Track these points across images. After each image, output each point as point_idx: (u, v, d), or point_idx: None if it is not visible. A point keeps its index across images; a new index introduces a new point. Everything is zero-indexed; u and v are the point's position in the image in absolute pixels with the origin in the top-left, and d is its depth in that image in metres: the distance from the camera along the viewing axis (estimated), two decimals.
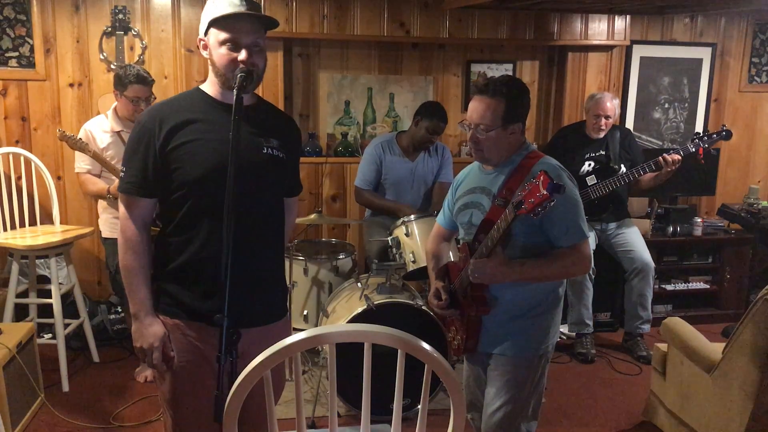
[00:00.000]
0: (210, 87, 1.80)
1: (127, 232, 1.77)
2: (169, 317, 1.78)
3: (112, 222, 3.35)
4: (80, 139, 3.18)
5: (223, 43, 1.70)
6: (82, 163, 3.31)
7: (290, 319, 1.96)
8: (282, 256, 1.96)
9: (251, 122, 1.79)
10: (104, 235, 3.42)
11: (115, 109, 3.32)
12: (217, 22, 1.70)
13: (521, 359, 2.09)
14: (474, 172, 2.21)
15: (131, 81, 3.15)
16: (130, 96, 3.18)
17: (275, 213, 1.88)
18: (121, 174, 1.78)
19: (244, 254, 1.72)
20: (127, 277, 1.77)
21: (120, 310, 3.99)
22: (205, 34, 1.74)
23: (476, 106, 2.03)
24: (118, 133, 3.30)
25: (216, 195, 1.64)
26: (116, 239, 3.33)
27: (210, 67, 1.78)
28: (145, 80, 3.20)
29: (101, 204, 3.41)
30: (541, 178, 1.70)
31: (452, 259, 2.39)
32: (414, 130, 3.76)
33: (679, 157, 3.56)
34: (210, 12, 1.72)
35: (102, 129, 3.30)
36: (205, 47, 1.75)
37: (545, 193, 1.68)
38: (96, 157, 3.18)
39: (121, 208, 1.78)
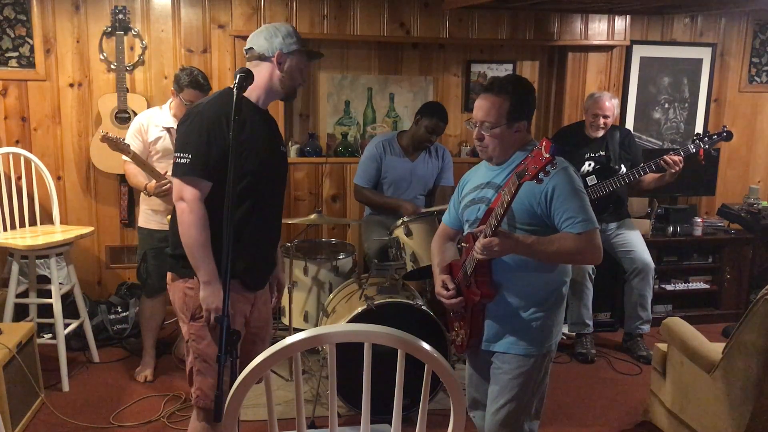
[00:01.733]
0: (251, 93, 2.10)
1: (197, 211, 2.00)
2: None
3: (148, 213, 3.40)
4: (122, 140, 3.19)
5: (302, 69, 2.15)
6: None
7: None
8: None
9: (271, 123, 2.21)
10: (139, 224, 3.47)
11: (172, 106, 3.36)
12: (304, 54, 2.15)
13: (525, 357, 2.09)
14: (481, 169, 2.23)
15: (186, 85, 3.21)
16: (185, 99, 3.22)
17: (283, 198, 2.34)
18: (186, 159, 2.00)
19: (272, 231, 2.23)
20: (199, 250, 2.01)
21: (120, 309, 3.99)
22: (291, 54, 2.10)
23: (482, 104, 2.06)
24: (168, 129, 3.32)
25: (262, 182, 2.09)
26: (150, 229, 3.43)
27: (265, 77, 2.10)
28: (202, 87, 3.24)
29: (141, 195, 3.44)
30: (544, 143, 1.71)
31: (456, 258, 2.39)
32: (414, 129, 3.78)
33: (681, 158, 3.56)
34: (294, 38, 2.11)
35: (155, 123, 3.33)
36: (281, 63, 2.09)
37: (547, 156, 1.68)
38: (135, 158, 3.21)
39: (188, 189, 2.01)
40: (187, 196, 2.01)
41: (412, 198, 3.81)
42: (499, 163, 2.12)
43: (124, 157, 3.32)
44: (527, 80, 2.17)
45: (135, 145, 3.26)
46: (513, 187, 1.81)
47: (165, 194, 3.19)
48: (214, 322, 2.04)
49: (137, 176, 3.31)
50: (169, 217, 3.30)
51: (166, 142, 3.31)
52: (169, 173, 3.20)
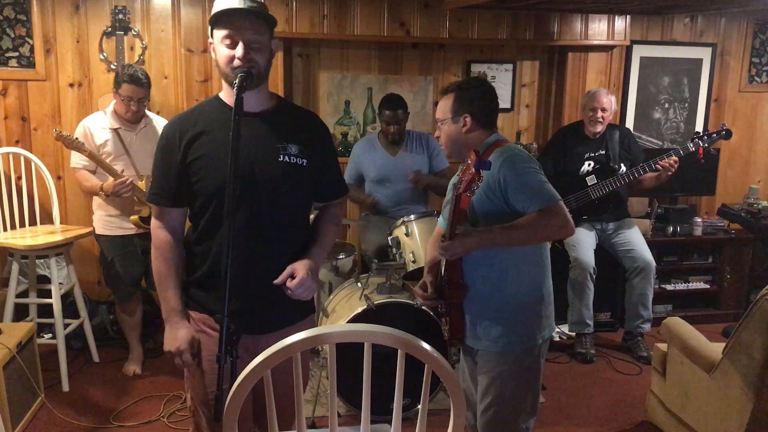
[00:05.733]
0: (224, 94, 1.82)
1: (157, 241, 1.82)
2: (198, 312, 1.84)
3: (105, 219, 3.38)
4: (77, 138, 3.19)
5: (222, 40, 1.70)
6: (78, 158, 3.32)
7: (314, 321, 2.00)
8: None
9: (267, 128, 1.78)
10: (98, 232, 3.44)
11: (114, 107, 3.35)
12: (217, 20, 1.71)
13: (505, 355, 2.08)
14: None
15: (124, 80, 3.22)
16: (122, 95, 3.24)
17: (295, 223, 1.84)
18: (151, 184, 1.86)
19: (262, 263, 1.76)
20: (159, 283, 1.82)
21: None
22: (211, 35, 1.75)
23: (438, 106, 2.22)
24: (115, 130, 3.31)
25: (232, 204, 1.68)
26: (111, 236, 3.34)
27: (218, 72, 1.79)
28: (138, 81, 3.24)
29: (95, 201, 3.42)
30: (472, 157, 1.78)
31: None
32: (381, 126, 3.91)
33: (676, 159, 3.59)
34: (211, 18, 1.73)
35: (100, 126, 3.32)
36: (213, 50, 1.76)
37: (473, 171, 1.77)
38: (92, 156, 3.20)
39: (153, 217, 1.85)
40: (151, 223, 1.85)
41: (402, 192, 3.83)
42: (460, 161, 2.14)
43: (74, 161, 3.32)
44: (478, 78, 2.27)
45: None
46: (453, 200, 1.88)
47: (125, 193, 3.18)
48: (181, 364, 1.79)
49: (90, 179, 3.30)
50: (132, 217, 3.30)
51: (116, 143, 3.30)
52: (126, 172, 3.21)
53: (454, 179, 2.30)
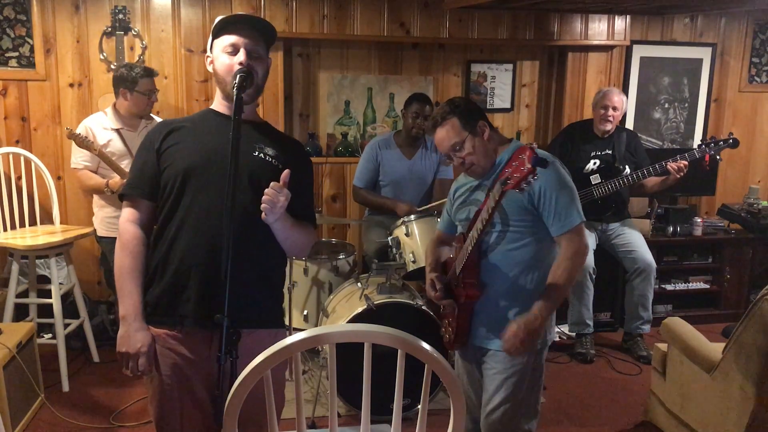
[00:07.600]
0: (216, 104, 1.87)
1: (125, 234, 1.77)
2: (155, 327, 1.75)
3: (108, 221, 3.36)
4: (87, 137, 3.19)
5: (224, 49, 1.76)
6: (80, 159, 3.31)
7: (283, 333, 1.82)
8: (274, 262, 1.85)
9: (250, 130, 1.80)
10: (99, 234, 3.42)
11: (115, 107, 3.35)
12: (220, 29, 1.78)
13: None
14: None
15: (141, 76, 3.26)
16: (143, 90, 3.27)
17: (258, 220, 1.67)
18: (127, 178, 1.87)
19: (219, 251, 1.59)
20: (119, 278, 1.75)
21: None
22: (211, 49, 1.82)
23: (440, 139, 2.12)
24: (117, 130, 3.31)
25: (191, 192, 1.72)
26: (111, 238, 3.30)
27: (215, 83, 1.84)
28: (152, 73, 3.35)
29: (96, 202, 3.41)
30: (527, 153, 1.74)
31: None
32: (404, 123, 3.84)
33: (686, 163, 3.59)
34: (214, 28, 1.80)
35: (102, 126, 3.31)
36: (212, 63, 1.82)
37: (529, 166, 1.72)
38: (101, 155, 3.18)
39: (122, 208, 1.82)
40: (120, 217, 1.81)
41: (414, 197, 3.81)
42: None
43: (75, 162, 3.31)
44: (454, 98, 2.23)
45: (85, 151, 3.22)
46: (497, 195, 1.84)
47: None
48: (136, 368, 1.74)
49: (93, 177, 3.29)
50: None
51: (118, 143, 3.31)
52: None
53: (459, 182, 2.29)
